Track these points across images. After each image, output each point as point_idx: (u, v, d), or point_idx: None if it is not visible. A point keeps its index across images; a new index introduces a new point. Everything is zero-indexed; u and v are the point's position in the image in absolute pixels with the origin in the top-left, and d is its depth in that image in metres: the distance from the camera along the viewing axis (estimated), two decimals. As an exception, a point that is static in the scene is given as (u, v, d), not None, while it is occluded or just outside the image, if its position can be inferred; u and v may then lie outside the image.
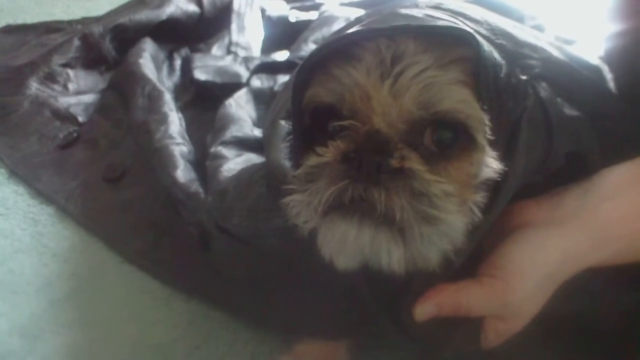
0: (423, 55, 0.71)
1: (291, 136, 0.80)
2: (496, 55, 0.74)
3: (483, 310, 0.78)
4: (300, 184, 0.73)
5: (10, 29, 2.01)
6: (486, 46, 0.73)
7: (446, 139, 0.72)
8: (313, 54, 0.75)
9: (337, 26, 1.63)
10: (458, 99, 0.70)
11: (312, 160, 0.73)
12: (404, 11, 0.79)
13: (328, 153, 0.71)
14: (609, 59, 1.04)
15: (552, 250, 0.77)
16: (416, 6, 0.84)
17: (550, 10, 1.81)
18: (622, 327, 0.91)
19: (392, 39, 0.73)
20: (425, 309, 0.77)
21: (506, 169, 0.73)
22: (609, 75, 1.01)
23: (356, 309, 0.90)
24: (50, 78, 1.69)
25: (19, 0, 2.24)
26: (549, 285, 0.78)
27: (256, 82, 1.57)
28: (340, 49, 0.74)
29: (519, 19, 1.72)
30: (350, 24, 0.91)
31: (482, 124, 0.71)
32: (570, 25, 1.72)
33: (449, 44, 0.73)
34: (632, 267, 0.81)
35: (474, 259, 0.79)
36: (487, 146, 0.72)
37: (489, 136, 0.71)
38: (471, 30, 0.76)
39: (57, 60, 1.73)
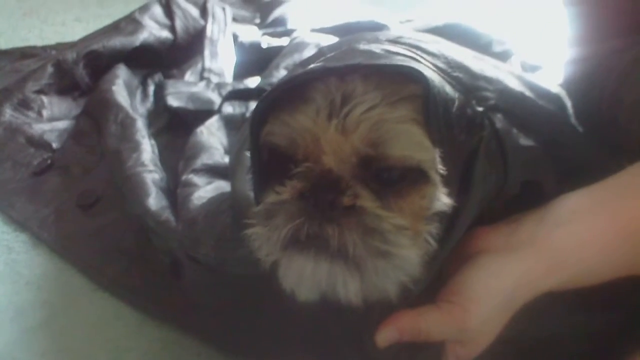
0: (372, 93, 0.74)
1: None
2: (448, 89, 0.77)
3: (442, 335, 0.80)
4: (261, 220, 0.76)
5: (-15, 55, 2.02)
6: (437, 82, 0.75)
7: (395, 174, 0.74)
8: (267, 94, 0.78)
9: (307, 52, 1.66)
10: (408, 141, 0.73)
11: (271, 198, 0.76)
12: (362, 47, 0.82)
13: (285, 192, 0.75)
14: (567, 86, 1.07)
15: (507, 275, 0.79)
16: (376, 40, 0.87)
17: (518, 35, 1.85)
18: (591, 349, 0.93)
19: (343, 78, 0.76)
20: (386, 335, 0.79)
21: (456, 204, 0.76)
22: (568, 103, 1.04)
23: (322, 335, 0.93)
24: (24, 104, 1.70)
25: (-6, 25, 2.26)
26: (506, 309, 0.80)
27: (228, 109, 1.59)
28: (294, 88, 0.77)
29: (488, 44, 1.77)
30: (313, 57, 0.94)
31: (433, 161, 0.73)
32: (537, 50, 1.76)
33: (400, 81, 0.75)
34: (596, 290, 0.83)
35: (434, 284, 0.81)
36: (438, 181, 0.74)
37: (440, 171, 0.74)
38: (427, 64, 0.80)
39: (31, 86, 1.74)
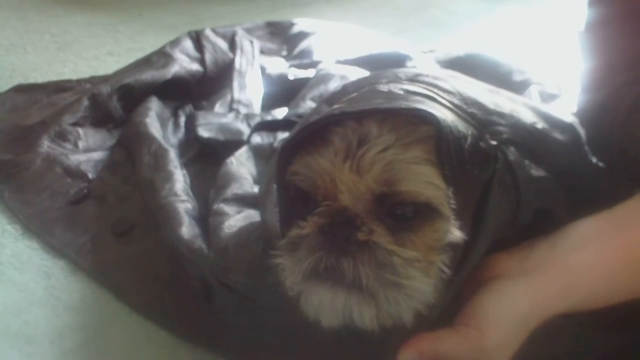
0: (387, 135, 0.80)
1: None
2: (461, 127, 0.82)
3: (460, 357, 0.84)
4: (286, 252, 0.83)
5: (22, 88, 2.06)
6: (449, 121, 0.80)
7: (408, 211, 0.80)
8: (293, 137, 0.85)
9: (333, 84, 1.70)
10: (419, 180, 0.78)
11: (294, 232, 0.82)
12: (382, 87, 0.88)
13: (307, 227, 0.81)
14: (580, 115, 1.11)
15: (521, 298, 0.84)
16: (396, 79, 0.93)
17: (537, 64, 1.88)
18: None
19: (360, 121, 0.81)
20: (407, 356, 0.84)
21: (470, 235, 0.81)
22: (582, 132, 1.08)
23: (347, 357, 0.97)
24: (61, 136, 1.74)
25: (30, 60, 2.31)
26: (520, 331, 0.84)
27: (256, 139, 1.62)
28: (316, 131, 0.83)
29: (508, 73, 1.81)
30: (337, 94, 1.00)
31: (445, 198, 0.79)
32: (556, 79, 1.79)
33: (414, 123, 0.81)
34: (609, 312, 0.87)
35: (452, 308, 0.86)
36: (450, 215, 0.79)
37: (452, 206, 0.79)
38: (444, 102, 0.85)
39: (67, 119, 1.78)
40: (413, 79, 0.92)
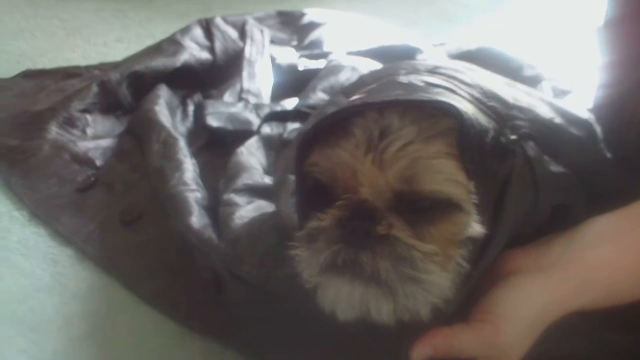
0: (408, 128, 0.79)
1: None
2: (482, 120, 0.81)
3: (474, 352, 0.83)
4: (304, 243, 0.82)
5: (30, 74, 2.06)
6: (471, 114, 0.79)
7: (428, 203, 0.79)
8: (312, 128, 0.84)
9: (343, 75, 1.70)
10: (440, 178, 0.77)
11: (312, 224, 0.82)
12: (401, 79, 0.87)
13: (326, 219, 0.80)
14: (597, 111, 1.10)
15: (537, 295, 0.83)
16: (415, 71, 0.92)
17: (549, 59, 1.87)
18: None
19: (381, 112, 0.80)
20: (421, 351, 0.83)
21: (489, 229, 0.80)
22: (598, 128, 1.07)
23: (360, 352, 0.97)
24: (69, 123, 1.74)
25: (38, 45, 2.31)
26: (535, 327, 0.84)
27: (266, 129, 1.61)
28: (336, 122, 0.82)
29: (518, 68, 1.79)
30: (355, 85, 0.99)
31: (466, 193, 0.78)
32: (568, 74, 1.77)
33: (436, 115, 0.80)
34: (624, 310, 0.86)
35: (468, 303, 0.85)
36: (471, 210, 0.79)
37: (474, 200, 0.78)
38: (464, 94, 0.84)
39: (76, 105, 1.78)
40: (432, 71, 0.91)
